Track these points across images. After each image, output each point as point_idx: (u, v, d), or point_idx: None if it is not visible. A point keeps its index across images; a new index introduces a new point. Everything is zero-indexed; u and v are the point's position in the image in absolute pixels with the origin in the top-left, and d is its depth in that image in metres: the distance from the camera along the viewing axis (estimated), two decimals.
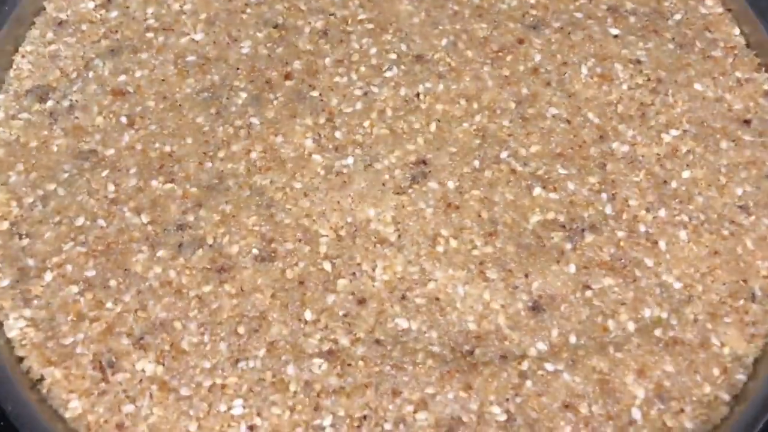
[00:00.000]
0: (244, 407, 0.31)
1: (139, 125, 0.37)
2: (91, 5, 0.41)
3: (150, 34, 0.39)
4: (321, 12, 0.40)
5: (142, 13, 0.40)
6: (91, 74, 0.39)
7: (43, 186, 0.36)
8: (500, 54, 0.39)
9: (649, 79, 0.39)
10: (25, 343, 0.33)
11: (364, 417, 0.31)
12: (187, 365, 0.31)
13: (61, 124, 0.37)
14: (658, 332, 0.33)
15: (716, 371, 0.33)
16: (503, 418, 0.31)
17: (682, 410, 0.32)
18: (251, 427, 0.30)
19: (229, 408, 0.31)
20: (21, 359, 0.32)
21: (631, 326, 0.33)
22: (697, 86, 0.39)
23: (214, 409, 0.31)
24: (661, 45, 0.40)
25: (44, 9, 0.41)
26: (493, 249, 0.34)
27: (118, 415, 0.31)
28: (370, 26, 0.40)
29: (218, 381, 0.32)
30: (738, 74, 0.40)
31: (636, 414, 0.32)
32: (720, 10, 0.42)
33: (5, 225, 0.35)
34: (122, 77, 0.38)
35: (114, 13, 0.40)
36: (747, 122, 0.38)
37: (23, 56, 0.40)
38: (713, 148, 0.37)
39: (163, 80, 0.38)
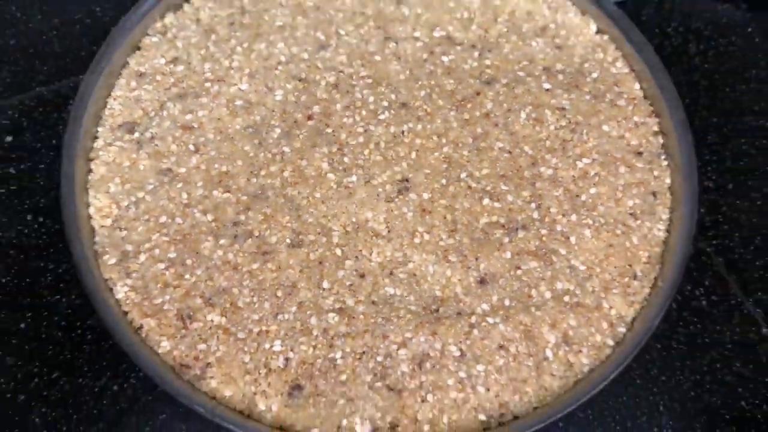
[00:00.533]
0: (281, 345, 0.42)
1: (203, 151, 0.48)
2: (162, 61, 0.51)
3: (208, 84, 0.50)
4: (333, 69, 0.51)
5: (201, 68, 0.51)
6: (165, 113, 0.49)
7: (135, 194, 0.46)
8: (462, 102, 0.50)
9: (570, 122, 0.49)
10: (128, 302, 0.43)
11: (363, 352, 0.42)
12: (242, 317, 0.43)
13: (145, 150, 0.48)
14: (566, 299, 0.44)
15: (605, 325, 0.44)
16: (458, 353, 0.42)
17: (580, 351, 0.43)
18: (287, 359, 0.42)
19: (271, 346, 0.42)
20: (126, 313, 0.43)
21: (548, 294, 0.44)
22: (605, 127, 0.49)
23: (261, 347, 0.42)
24: (580, 96, 0.50)
25: (128, 64, 0.51)
26: (454, 241, 0.45)
27: (195, 351, 0.42)
28: (369, 81, 0.50)
29: (264, 328, 0.42)
30: (636, 119, 0.50)
31: (549, 353, 0.42)
32: (626, 70, 0.52)
33: (108, 222, 0.46)
34: (189, 116, 0.49)
35: (180, 68, 0.51)
36: (639, 154, 0.49)
37: (114, 99, 0.50)
38: (614, 172, 0.48)
39: (219, 119, 0.49)
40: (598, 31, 0.55)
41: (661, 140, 0.51)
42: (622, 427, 0.46)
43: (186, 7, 0.54)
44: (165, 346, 0.43)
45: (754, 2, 0.61)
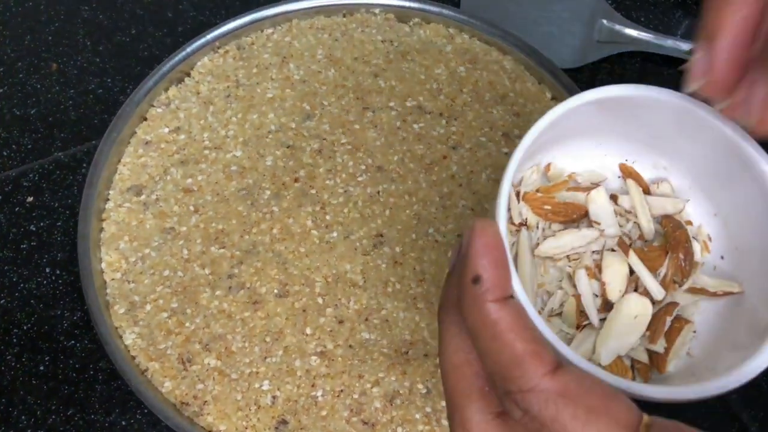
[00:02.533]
0: (269, 385, 0.48)
1: (202, 212, 0.54)
2: (166, 130, 0.59)
3: (206, 151, 0.56)
4: (318, 137, 0.57)
5: (201, 136, 0.57)
6: (168, 177, 0.55)
7: (142, 250, 0.53)
8: (431, 165, 0.56)
9: None
10: (135, 347, 0.49)
11: (341, 390, 0.48)
12: (235, 360, 0.48)
13: (151, 211, 0.54)
14: None
15: None
16: (425, 391, 0.48)
17: None
18: (274, 397, 0.48)
19: (261, 386, 0.48)
20: (133, 357, 0.49)
21: None
22: None
23: (251, 386, 0.48)
24: None
25: (136, 133, 0.58)
26: (422, 289, 0.51)
27: (194, 390, 0.47)
28: (349, 147, 0.57)
29: (254, 370, 0.48)
30: None
31: None
32: None
33: (118, 275, 0.53)
34: (189, 180, 0.55)
35: (182, 137, 0.58)
36: None
37: (124, 165, 0.56)
38: None
39: (216, 182, 0.55)
40: (553, 98, 0.62)
41: None
42: None
43: (187, 80, 0.61)
44: (168, 386, 0.49)
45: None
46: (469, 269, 0.28)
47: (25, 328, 0.54)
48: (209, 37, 0.62)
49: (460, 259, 0.30)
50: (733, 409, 0.53)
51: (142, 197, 0.56)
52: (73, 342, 0.54)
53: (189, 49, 0.61)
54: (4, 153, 0.62)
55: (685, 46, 0.68)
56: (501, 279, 0.29)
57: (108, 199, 0.56)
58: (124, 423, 0.51)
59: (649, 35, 0.69)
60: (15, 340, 0.54)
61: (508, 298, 0.28)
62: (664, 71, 0.69)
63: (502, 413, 0.29)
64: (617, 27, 0.69)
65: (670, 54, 0.68)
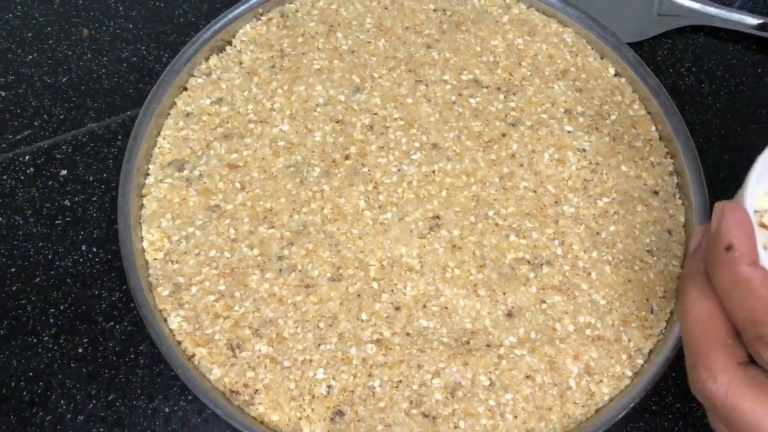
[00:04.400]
0: (324, 374, 0.45)
1: (248, 189, 0.51)
2: (208, 101, 0.55)
3: (251, 125, 0.53)
4: (368, 112, 0.54)
5: (245, 109, 0.54)
6: (212, 152, 0.52)
7: (185, 229, 0.50)
8: (489, 144, 0.53)
9: (590, 163, 0.53)
10: (181, 332, 0.46)
11: (400, 381, 0.45)
12: (287, 347, 0.46)
13: (194, 187, 0.51)
14: (588, 332, 0.47)
15: (624, 357, 0.47)
16: (487, 383, 0.45)
17: (601, 381, 0.46)
18: (329, 386, 0.45)
19: (315, 374, 0.45)
20: (179, 342, 0.46)
21: (571, 328, 0.47)
22: (623, 167, 0.53)
23: (305, 375, 0.45)
24: (600, 138, 0.54)
25: (176, 104, 0.55)
26: (483, 276, 0.48)
27: (244, 378, 0.45)
28: (402, 123, 0.53)
29: (307, 357, 0.45)
30: (652, 159, 0.53)
31: (572, 383, 0.46)
32: (643, 112, 0.56)
33: (161, 255, 0.49)
34: (234, 155, 0.52)
35: (225, 108, 0.54)
36: (656, 193, 0.52)
37: (164, 138, 0.53)
38: (632, 210, 0.51)
39: (263, 158, 0.52)
40: (616, 74, 0.58)
41: (675, 180, 0.54)
42: None
43: (228, 49, 0.58)
44: (216, 373, 0.46)
45: (764, 44, 0.64)
46: (722, 240, 0.35)
47: (61, 308, 0.52)
48: (252, 2, 0.58)
49: (712, 234, 0.36)
50: None
51: (185, 172, 0.52)
52: (112, 324, 0.51)
53: (230, 16, 0.58)
54: (36, 123, 0.59)
55: (751, 20, 0.64)
56: (751, 248, 0.34)
57: (148, 174, 0.53)
58: (167, 410, 0.49)
59: (712, 8, 0.65)
60: (52, 321, 0.51)
61: (757, 263, 0.34)
62: (729, 47, 0.65)
63: (744, 363, 0.34)
64: (679, 0, 0.65)
65: (736, 29, 0.64)
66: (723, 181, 0.59)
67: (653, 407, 0.50)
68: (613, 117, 0.56)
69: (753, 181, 0.38)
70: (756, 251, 0.35)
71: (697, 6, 0.65)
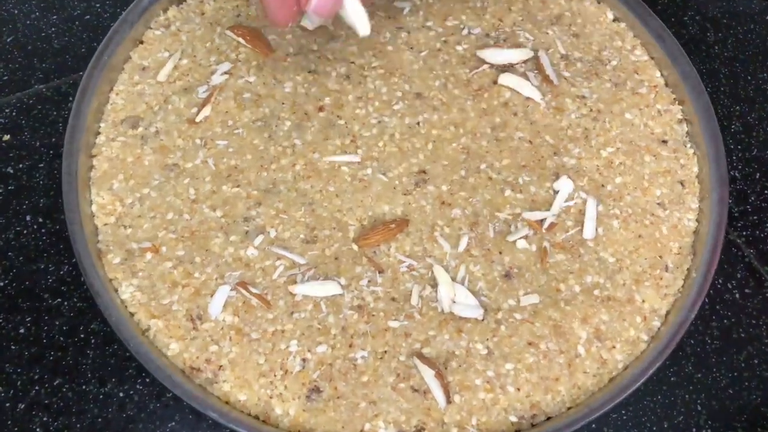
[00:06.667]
0: (298, 346, 0.40)
1: (210, 146, 0.46)
2: (167, 54, 0.51)
3: (213, 77, 0.49)
4: (344, 60, 0.49)
5: (207, 60, 0.49)
6: (170, 107, 0.47)
7: (140, 190, 0.44)
8: (479, 92, 0.48)
9: (591, 110, 0.48)
10: (134, 303, 0.41)
11: (385, 351, 0.40)
12: (255, 317, 0.40)
13: (150, 145, 0.46)
14: (596, 292, 0.42)
15: (638, 319, 0.42)
16: (485, 352, 0.40)
17: (614, 347, 0.41)
18: (304, 359, 0.40)
19: (287, 347, 0.40)
20: (132, 314, 0.41)
21: (577, 288, 0.42)
22: (627, 115, 0.48)
23: (276, 347, 0.40)
24: (600, 84, 0.49)
25: (131, 58, 0.49)
26: (475, 234, 0.44)
27: (206, 353, 0.39)
28: (381, 71, 0.48)
29: (279, 328, 0.40)
30: (658, 106, 0.49)
31: (581, 350, 0.41)
32: (646, 57, 0.51)
33: (112, 219, 0.44)
34: (194, 109, 0.47)
35: (185, 61, 0.50)
36: (664, 142, 0.48)
37: (117, 94, 0.48)
38: (639, 161, 0.47)
39: (226, 112, 0.47)
40: (615, 19, 0.53)
41: (685, 128, 0.49)
42: (659, 428, 0.43)
43: (189, 0, 0.53)
44: (174, 348, 0.40)
45: None
46: None
47: (1, 284, 0.46)
48: None
49: None
50: None
51: (139, 130, 0.47)
52: (59, 300, 0.45)
53: None
54: None
55: None
56: None
57: (99, 133, 0.47)
58: (122, 394, 0.43)
59: None
60: None
61: None
62: None
63: None
64: None
65: None
66: (735, 132, 0.54)
67: (672, 377, 0.45)
68: (613, 63, 0.51)
69: None
70: None
71: None
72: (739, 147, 0.53)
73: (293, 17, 0.41)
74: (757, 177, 0.52)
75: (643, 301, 0.43)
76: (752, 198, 0.51)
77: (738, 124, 0.54)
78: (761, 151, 0.53)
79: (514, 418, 0.39)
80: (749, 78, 0.56)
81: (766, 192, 0.51)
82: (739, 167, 0.52)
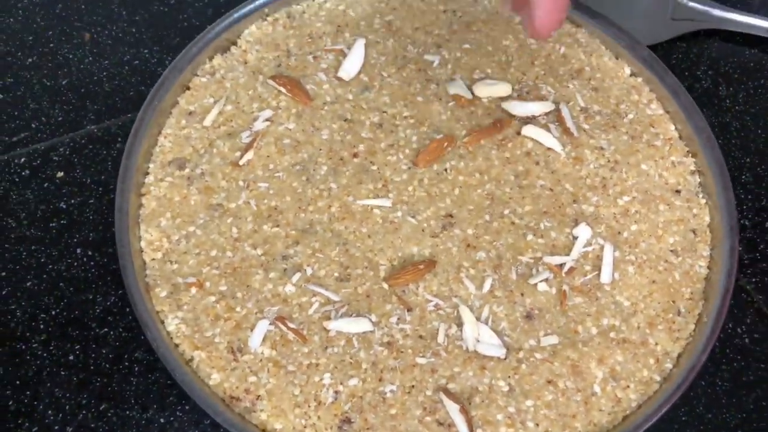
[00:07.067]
0: (331, 379, 0.42)
1: (252, 187, 0.49)
2: (212, 101, 0.54)
3: (256, 123, 0.53)
4: (377, 110, 0.52)
5: (250, 107, 0.52)
6: (215, 151, 0.50)
7: (186, 228, 0.47)
8: (503, 142, 0.51)
9: (609, 161, 0.51)
10: (179, 335, 0.44)
11: (413, 386, 0.42)
12: (292, 350, 0.43)
13: (196, 186, 0.49)
14: (612, 334, 0.44)
15: (651, 361, 0.44)
16: (506, 389, 0.43)
17: (628, 386, 0.43)
18: (336, 392, 0.42)
19: (321, 379, 0.42)
20: (177, 345, 0.44)
21: (594, 330, 0.45)
22: (643, 166, 0.51)
23: (311, 380, 0.42)
24: (618, 136, 0.52)
25: (178, 103, 0.53)
26: (499, 276, 0.46)
27: (245, 383, 0.42)
28: (412, 121, 0.52)
29: (313, 361, 0.43)
30: (673, 158, 0.51)
31: (596, 389, 0.43)
32: (661, 111, 0.54)
33: (159, 255, 0.47)
34: (237, 153, 0.50)
35: (229, 107, 0.53)
36: (678, 192, 0.50)
37: (165, 137, 0.51)
38: (654, 209, 0.49)
39: (267, 156, 0.50)
40: (632, 74, 0.56)
41: (698, 179, 0.52)
42: None
43: (233, 48, 0.56)
44: (215, 378, 0.43)
45: None
46: None
47: (53, 313, 0.49)
48: (257, 3, 0.57)
49: None
50: None
51: (186, 171, 0.50)
52: (106, 330, 0.48)
53: (236, 15, 0.56)
54: (33, 125, 0.57)
55: (767, 23, 0.63)
56: None
57: (148, 173, 0.51)
58: (162, 420, 0.46)
59: (727, 12, 0.63)
60: (42, 327, 0.48)
61: None
62: (746, 50, 0.63)
63: None
64: (693, 3, 0.64)
65: (754, 33, 0.63)
66: (745, 183, 0.57)
67: (683, 417, 0.47)
68: (630, 116, 0.54)
69: None
70: None
71: (711, 10, 0.64)
72: (750, 197, 0.56)
73: (559, 24, 0.39)
74: (767, 226, 0.55)
75: (656, 343, 0.45)
76: (762, 246, 0.54)
77: (748, 174, 0.57)
78: None
79: None
80: (759, 131, 0.59)
81: None
82: (749, 216, 0.55)
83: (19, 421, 0.45)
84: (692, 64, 0.63)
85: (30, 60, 0.60)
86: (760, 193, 0.56)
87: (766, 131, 0.59)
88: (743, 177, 0.57)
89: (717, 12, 0.63)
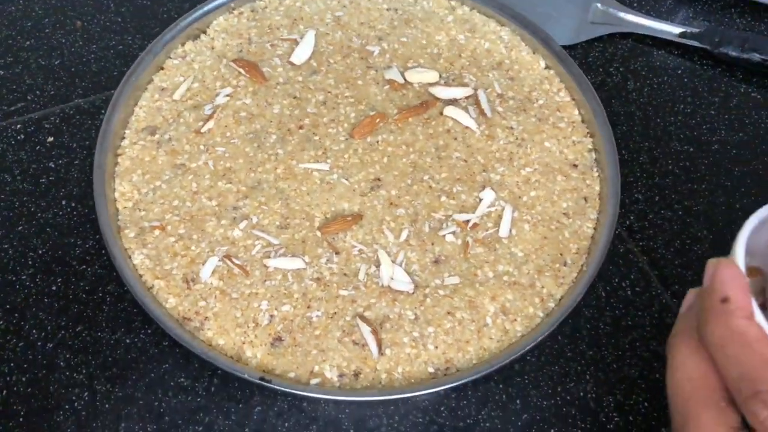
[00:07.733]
0: (267, 305, 0.51)
1: (211, 151, 0.57)
2: (182, 79, 0.64)
3: (218, 98, 0.63)
4: (323, 90, 0.61)
5: (213, 85, 0.62)
6: (181, 120, 0.59)
7: (153, 183, 0.56)
8: (428, 120, 0.60)
9: (517, 138, 0.59)
10: (143, 267, 0.52)
11: (335, 313, 0.51)
12: (236, 282, 0.51)
13: (164, 148, 0.58)
14: (505, 278, 0.53)
15: (537, 300, 0.52)
16: (413, 317, 0.51)
17: (515, 320, 0.51)
18: (271, 315, 0.50)
19: (259, 305, 0.51)
20: (141, 275, 0.52)
21: (490, 274, 0.53)
22: (547, 144, 0.59)
23: (250, 305, 0.51)
24: (527, 118, 0.60)
25: (153, 80, 0.62)
26: (415, 228, 0.55)
27: (196, 307, 0.51)
28: (352, 100, 0.60)
29: (253, 291, 0.51)
30: (574, 138, 0.60)
31: (488, 321, 0.51)
32: (568, 99, 0.62)
33: (130, 204, 0.55)
34: (200, 123, 0.60)
35: (195, 85, 0.64)
36: (575, 165, 0.59)
37: (140, 108, 0.60)
38: (552, 179, 0.57)
39: (226, 126, 0.59)
40: (546, 67, 0.65)
41: (594, 156, 0.60)
42: (553, 390, 0.54)
43: (203, 36, 0.66)
44: (171, 302, 0.52)
45: (686, 50, 0.72)
46: (717, 293, 0.34)
47: (40, 252, 0.58)
48: None
49: (706, 288, 0.35)
50: None
51: (156, 136, 0.59)
52: (84, 267, 0.57)
53: (206, 8, 0.66)
54: (29, 97, 0.66)
55: (675, 29, 0.72)
56: (746, 302, 0.33)
57: (124, 138, 0.59)
58: (128, 341, 0.54)
59: (638, 17, 0.73)
60: (30, 263, 0.57)
61: (752, 318, 0.33)
62: (654, 52, 0.72)
63: (738, 429, 0.32)
64: (611, 10, 0.73)
65: (662, 36, 0.72)
66: (642, 163, 0.65)
67: (568, 353, 0.56)
68: (540, 102, 0.63)
69: (743, 239, 0.36)
70: (751, 306, 0.33)
71: (625, 15, 0.73)
72: (644, 175, 0.65)
73: None
74: (656, 200, 0.63)
75: (543, 287, 0.54)
76: (650, 216, 0.63)
77: (645, 156, 0.66)
78: (662, 179, 0.65)
79: (431, 369, 0.50)
80: (658, 120, 0.68)
81: (661, 212, 0.63)
82: (642, 191, 0.64)
83: (8, 338, 0.54)
84: (606, 62, 0.72)
85: (28, 43, 0.69)
86: (653, 172, 0.65)
87: (663, 120, 0.68)
88: (641, 158, 0.66)
89: (630, 17, 0.73)
